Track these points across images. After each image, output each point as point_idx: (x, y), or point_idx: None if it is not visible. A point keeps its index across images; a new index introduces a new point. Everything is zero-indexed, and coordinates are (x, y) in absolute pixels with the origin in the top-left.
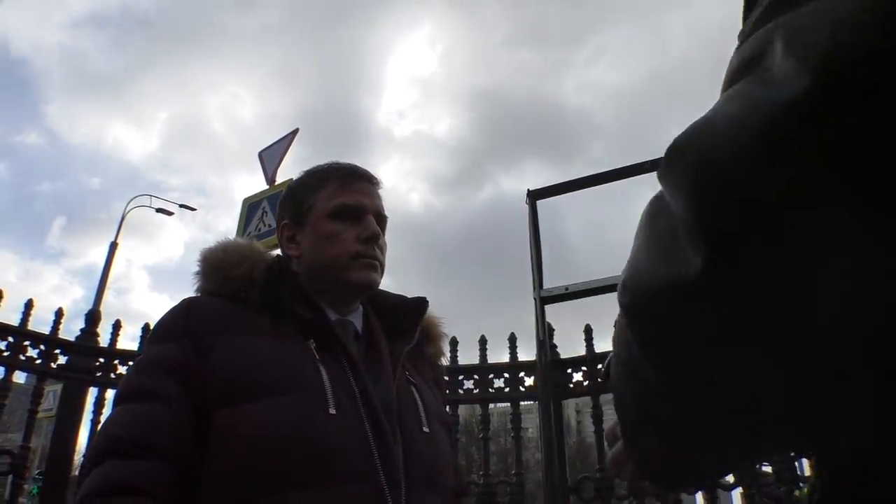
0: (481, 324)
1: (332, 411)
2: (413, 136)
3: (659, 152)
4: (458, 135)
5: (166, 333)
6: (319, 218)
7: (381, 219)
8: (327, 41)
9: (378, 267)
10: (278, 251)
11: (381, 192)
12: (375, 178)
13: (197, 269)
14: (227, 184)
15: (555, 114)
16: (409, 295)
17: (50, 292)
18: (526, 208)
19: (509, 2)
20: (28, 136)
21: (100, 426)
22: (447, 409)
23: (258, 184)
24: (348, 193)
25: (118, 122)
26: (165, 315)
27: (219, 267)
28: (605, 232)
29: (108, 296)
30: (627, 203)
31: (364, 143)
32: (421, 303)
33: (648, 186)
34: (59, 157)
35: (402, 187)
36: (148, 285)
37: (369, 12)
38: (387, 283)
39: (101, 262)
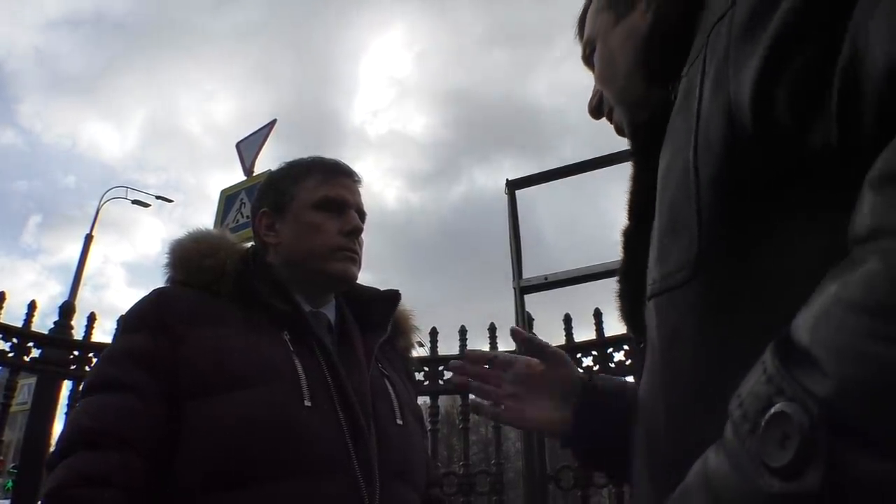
0: (461, 315)
1: (307, 403)
2: (388, 135)
3: None
4: (433, 133)
5: (137, 323)
6: (302, 208)
7: (361, 215)
8: (303, 42)
9: (357, 261)
10: (252, 243)
11: (361, 189)
12: (357, 175)
13: (166, 260)
14: (203, 182)
15: (528, 112)
16: (387, 288)
17: (26, 288)
18: (502, 202)
19: (482, 3)
20: (3, 135)
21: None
22: (418, 401)
23: (235, 182)
24: (332, 187)
25: (93, 121)
26: (136, 305)
27: (189, 258)
28: (578, 226)
29: (84, 292)
30: (598, 197)
31: (339, 142)
32: (393, 295)
33: (620, 181)
34: (35, 155)
35: (377, 184)
36: (125, 281)
37: (345, 14)
38: (366, 279)
39: (77, 258)
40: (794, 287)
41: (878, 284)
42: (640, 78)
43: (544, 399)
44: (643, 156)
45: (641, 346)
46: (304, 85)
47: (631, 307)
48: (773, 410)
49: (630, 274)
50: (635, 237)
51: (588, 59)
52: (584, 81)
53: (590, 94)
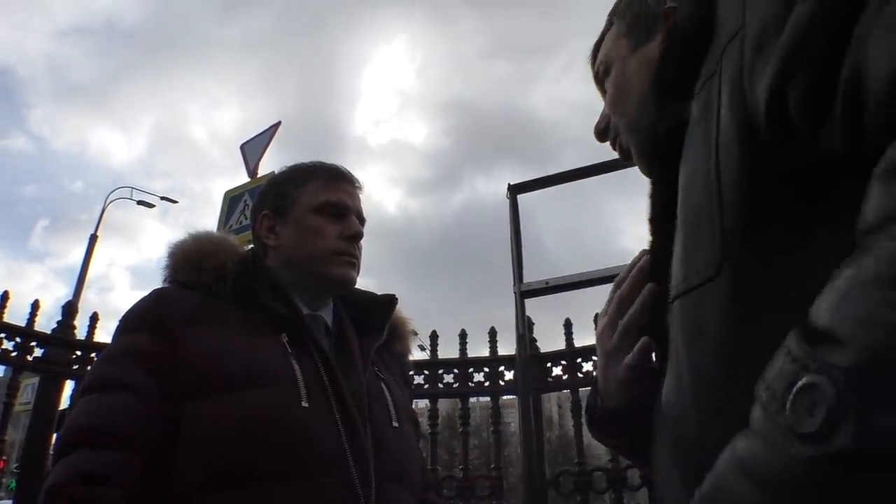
0: (461, 320)
1: (305, 405)
2: (389, 144)
3: None
4: (434, 142)
5: (136, 323)
6: (304, 211)
7: (361, 220)
8: (308, 53)
9: (357, 265)
10: (252, 246)
11: (361, 195)
12: (358, 182)
13: (166, 260)
14: (208, 188)
15: (529, 123)
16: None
17: (33, 291)
18: (502, 211)
19: (484, 15)
20: (14, 142)
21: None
22: (419, 404)
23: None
24: (334, 191)
25: (102, 128)
26: (135, 305)
27: (191, 258)
28: (577, 235)
29: (89, 294)
30: (597, 206)
31: (342, 150)
32: (390, 300)
33: (618, 190)
34: (44, 161)
35: (379, 192)
36: (129, 284)
37: (349, 26)
38: (368, 284)
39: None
40: (815, 284)
41: (891, 261)
42: (653, 102)
43: None
44: (662, 168)
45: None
46: (308, 94)
47: (653, 317)
48: (799, 384)
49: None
50: (661, 251)
51: (600, 80)
52: (584, 95)
53: (597, 117)
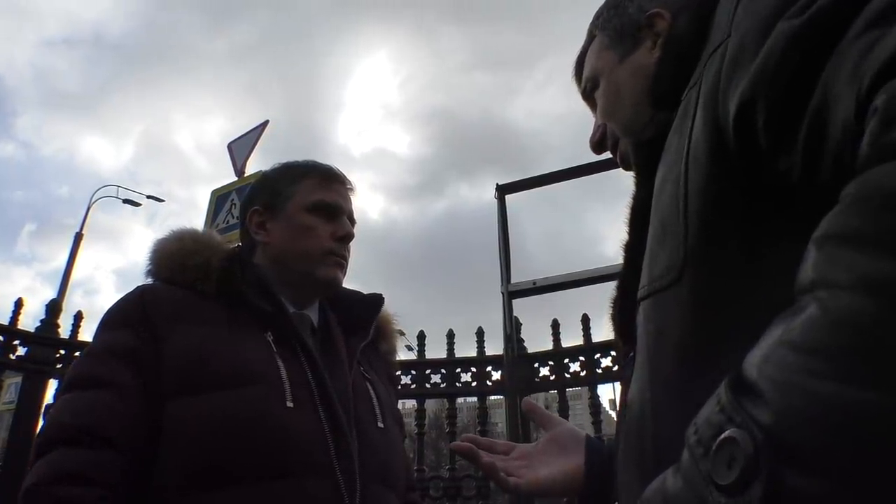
0: (448, 321)
1: (290, 404)
2: (372, 153)
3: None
4: (417, 151)
5: (120, 320)
6: (297, 209)
7: (352, 222)
8: (293, 65)
9: (345, 267)
10: (239, 244)
11: (352, 197)
12: (351, 183)
13: (149, 258)
14: (194, 195)
15: (510, 133)
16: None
17: (19, 293)
18: (487, 214)
19: (466, 30)
20: (2, 148)
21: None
22: (406, 404)
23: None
24: (328, 191)
25: (89, 136)
26: (119, 302)
27: (174, 256)
28: (560, 239)
29: (76, 297)
30: (579, 213)
31: (325, 158)
32: (377, 299)
33: (599, 199)
34: (32, 167)
35: (362, 199)
36: (115, 287)
37: (334, 39)
38: (351, 288)
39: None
40: (771, 298)
41: (813, 329)
42: (647, 106)
43: (551, 458)
44: (644, 172)
45: (630, 354)
46: (293, 105)
47: (622, 315)
48: (723, 436)
49: (627, 284)
50: (635, 249)
51: (588, 96)
52: (564, 107)
53: (591, 131)
